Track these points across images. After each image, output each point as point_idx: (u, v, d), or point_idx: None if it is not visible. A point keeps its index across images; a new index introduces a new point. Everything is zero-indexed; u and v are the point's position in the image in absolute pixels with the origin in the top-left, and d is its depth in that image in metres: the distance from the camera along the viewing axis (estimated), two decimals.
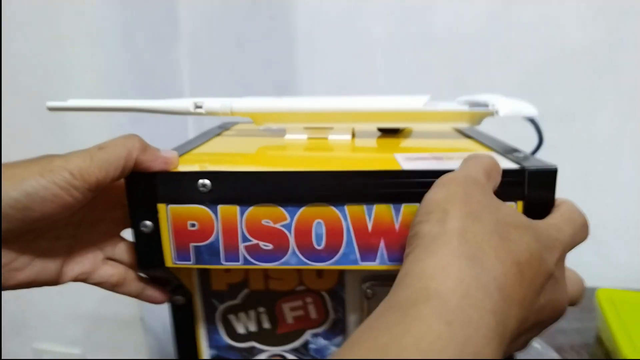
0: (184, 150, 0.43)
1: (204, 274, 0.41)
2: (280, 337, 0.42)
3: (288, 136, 0.46)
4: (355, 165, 0.34)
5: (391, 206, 0.33)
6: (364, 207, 0.33)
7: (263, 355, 0.42)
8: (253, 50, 0.83)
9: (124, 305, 0.82)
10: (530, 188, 0.32)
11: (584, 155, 0.85)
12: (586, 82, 0.81)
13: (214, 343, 0.42)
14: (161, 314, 0.65)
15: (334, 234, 0.34)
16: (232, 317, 0.42)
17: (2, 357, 0.90)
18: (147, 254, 0.36)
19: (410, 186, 0.32)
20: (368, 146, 0.44)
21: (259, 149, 0.43)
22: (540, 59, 0.81)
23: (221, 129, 0.55)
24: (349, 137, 0.46)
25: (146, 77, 0.78)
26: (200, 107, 0.45)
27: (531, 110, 0.41)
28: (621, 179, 0.86)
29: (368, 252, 0.34)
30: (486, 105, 0.43)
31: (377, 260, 0.34)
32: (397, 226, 0.33)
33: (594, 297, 0.78)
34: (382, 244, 0.34)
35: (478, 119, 0.44)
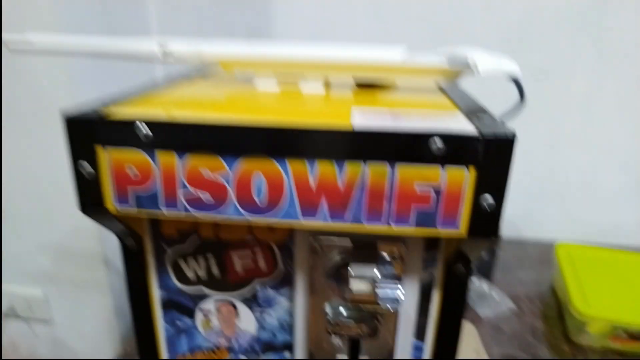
0: (145, 90, 0.41)
1: (154, 219, 0.40)
2: (229, 284, 0.42)
3: (259, 84, 0.44)
4: (307, 118, 0.32)
5: (335, 163, 0.31)
6: (307, 163, 0.31)
7: (211, 300, 0.43)
8: None
9: (86, 243, 0.83)
10: (484, 155, 0.30)
11: (558, 113, 0.83)
12: (566, 40, 0.78)
13: (164, 285, 0.42)
14: None
15: (275, 189, 0.32)
16: (181, 261, 0.41)
17: None
18: (87, 197, 0.35)
19: (355, 144, 0.30)
20: (338, 98, 0.41)
21: (213, 98, 0.41)
22: (522, 13, 0.77)
23: (197, 73, 0.53)
24: (321, 87, 0.43)
25: (109, 16, 0.74)
26: (164, 46, 0.42)
27: (513, 69, 0.38)
28: (591, 139, 0.86)
29: (310, 209, 0.32)
30: (465, 61, 0.39)
31: (319, 218, 0.33)
32: (340, 185, 0.32)
33: (553, 250, 0.80)
34: (324, 202, 0.32)
35: (455, 75, 0.41)
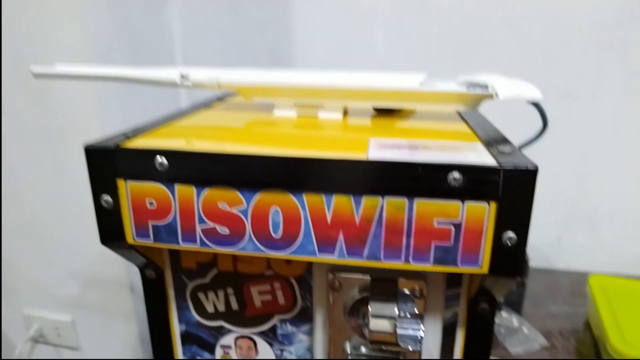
0: (166, 121, 0.42)
1: (175, 251, 0.40)
2: (248, 319, 0.41)
3: (277, 112, 0.44)
4: (323, 149, 0.32)
5: (352, 197, 0.31)
6: (323, 196, 0.31)
7: (231, 336, 0.42)
8: (247, 14, 0.80)
9: (112, 271, 0.84)
10: (505, 188, 0.29)
11: (585, 136, 0.80)
12: (591, 59, 0.76)
13: (184, 319, 0.42)
14: None
15: (291, 223, 0.32)
16: (201, 295, 0.41)
17: None
18: (108, 229, 0.35)
19: (371, 177, 0.30)
20: (356, 126, 0.41)
21: (232, 126, 0.42)
22: (545, 33, 0.76)
23: (218, 100, 0.54)
24: (339, 115, 0.43)
25: (135, 41, 0.76)
26: (186, 77, 0.43)
27: (534, 94, 0.37)
28: (621, 162, 0.82)
29: (326, 244, 0.32)
30: (485, 87, 0.39)
31: (336, 254, 0.32)
32: (357, 219, 0.31)
33: (587, 282, 0.76)
34: (341, 237, 0.32)
35: (475, 101, 0.40)
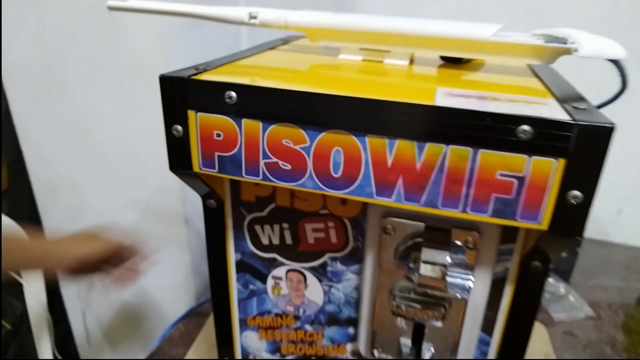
0: (233, 59, 0.43)
1: (235, 184, 0.42)
2: (300, 254, 0.43)
3: (342, 56, 0.44)
4: (389, 94, 0.32)
5: (415, 143, 0.31)
6: (386, 140, 0.31)
7: (283, 268, 0.44)
8: None
9: (170, 203, 0.88)
10: (576, 145, 0.28)
11: None
12: None
13: (239, 248, 0.44)
14: None
15: (352, 164, 0.32)
16: (257, 227, 0.43)
17: None
18: (177, 157, 0.37)
19: (437, 124, 0.30)
20: (422, 74, 0.40)
21: (298, 68, 0.42)
22: None
23: (282, 42, 0.54)
24: (406, 62, 0.42)
25: None
26: (254, 17, 0.43)
27: (618, 52, 0.35)
28: None
29: (385, 188, 0.32)
30: (564, 41, 0.37)
31: (393, 197, 0.33)
32: (418, 165, 0.31)
33: None
34: (400, 181, 0.32)
35: (552, 56, 0.38)
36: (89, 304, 1.10)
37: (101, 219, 0.96)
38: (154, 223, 0.93)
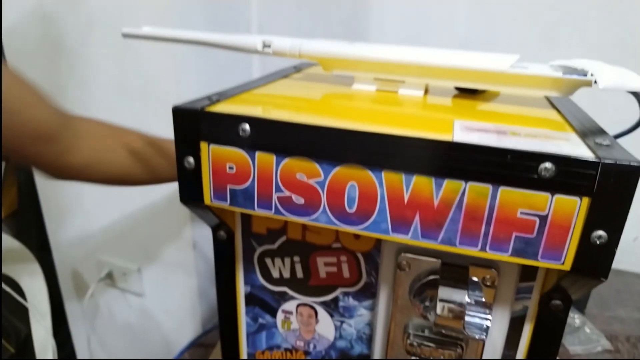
0: (246, 88, 0.43)
1: (246, 216, 0.41)
2: (311, 288, 0.42)
3: (356, 85, 0.44)
4: (405, 127, 0.31)
5: (432, 179, 0.30)
6: (403, 175, 0.30)
7: (294, 302, 0.43)
8: None
9: (178, 228, 0.87)
10: (601, 185, 0.27)
11: None
12: None
13: (249, 280, 0.44)
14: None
15: (367, 200, 0.32)
16: (268, 260, 0.42)
17: (71, 263, 1.02)
18: (188, 189, 0.37)
19: (456, 160, 0.29)
20: (437, 105, 0.40)
21: (312, 97, 0.41)
22: None
23: (295, 70, 0.54)
24: (421, 92, 0.42)
25: (214, 7, 0.77)
26: (268, 46, 0.43)
27: (638, 84, 0.34)
28: None
29: (401, 224, 0.32)
30: (583, 73, 0.36)
31: (410, 234, 0.32)
32: (435, 202, 0.30)
33: None
34: (417, 218, 0.31)
35: (570, 88, 0.37)
36: (94, 329, 1.09)
37: (109, 241, 0.96)
38: (163, 247, 0.92)
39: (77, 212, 0.97)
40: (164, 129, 0.77)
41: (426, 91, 0.43)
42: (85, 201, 0.95)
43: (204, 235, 0.88)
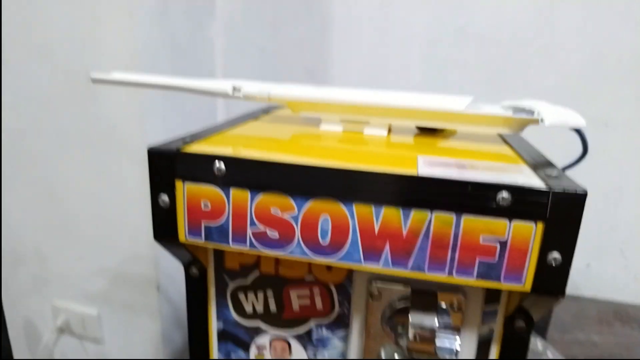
0: (217, 130, 0.44)
1: (219, 252, 0.42)
2: (285, 321, 0.42)
3: (323, 126, 0.46)
4: (373, 163, 0.33)
5: (400, 210, 0.32)
6: (373, 207, 0.32)
7: (267, 336, 0.43)
8: (287, 32, 0.83)
9: (141, 270, 0.86)
10: (553, 210, 0.30)
11: (620, 166, 0.81)
12: (631, 90, 0.76)
13: (222, 316, 0.44)
14: (179, 280, 0.68)
15: (340, 231, 0.33)
16: (241, 295, 0.43)
17: (24, 312, 0.98)
18: (162, 227, 0.37)
19: (421, 192, 0.31)
20: (400, 143, 0.42)
21: (282, 137, 0.43)
22: (584, 63, 0.77)
23: (263, 112, 0.56)
24: (384, 132, 0.44)
25: (179, 53, 0.79)
26: (238, 90, 0.45)
27: (579, 121, 0.38)
28: None
29: (372, 254, 0.33)
30: (531, 112, 0.40)
31: (381, 263, 0.33)
32: (404, 232, 0.32)
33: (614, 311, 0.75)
34: (387, 247, 0.33)
35: (520, 126, 0.41)
36: None
37: (67, 287, 0.92)
38: (125, 290, 0.89)
39: (32, 259, 0.93)
40: (128, 174, 0.77)
41: (389, 131, 0.45)
42: (43, 248, 0.92)
43: (169, 275, 0.87)
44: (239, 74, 0.92)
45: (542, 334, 0.79)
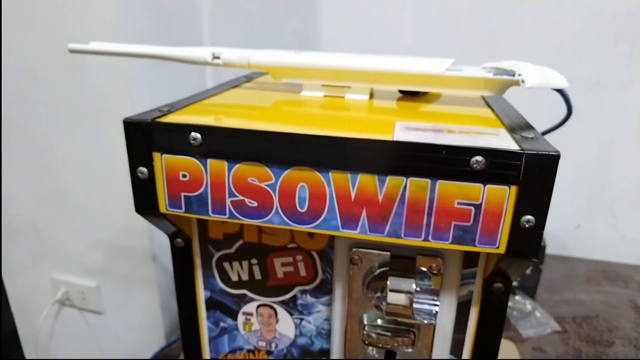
0: (197, 98, 0.44)
1: (203, 222, 0.42)
2: (270, 288, 0.43)
3: (304, 93, 0.45)
4: (350, 130, 0.33)
5: (376, 177, 0.32)
6: (349, 175, 0.32)
7: (253, 304, 0.44)
8: None
9: (137, 241, 0.87)
10: (526, 173, 0.30)
11: (612, 126, 0.80)
12: (624, 49, 0.75)
13: (209, 286, 0.44)
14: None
15: (317, 199, 0.33)
16: (226, 264, 0.43)
17: (24, 286, 0.99)
18: (143, 199, 0.37)
19: (396, 158, 0.31)
20: (381, 108, 0.42)
21: (262, 105, 0.43)
22: (578, 22, 0.75)
23: (246, 79, 0.55)
24: (366, 97, 0.44)
25: (165, 21, 0.78)
26: (217, 57, 0.44)
27: (560, 82, 0.38)
28: None
29: (349, 220, 0.33)
30: (512, 74, 0.39)
31: (358, 229, 0.33)
32: (380, 198, 0.32)
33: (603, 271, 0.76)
34: (364, 214, 0.33)
35: (501, 87, 0.41)
36: (49, 353, 1.06)
37: (65, 260, 0.94)
38: (122, 262, 0.91)
39: (29, 232, 0.94)
40: (119, 145, 0.76)
41: (372, 95, 0.45)
42: (38, 221, 0.92)
43: (164, 246, 0.88)
44: (227, 40, 0.90)
45: (531, 294, 0.80)
